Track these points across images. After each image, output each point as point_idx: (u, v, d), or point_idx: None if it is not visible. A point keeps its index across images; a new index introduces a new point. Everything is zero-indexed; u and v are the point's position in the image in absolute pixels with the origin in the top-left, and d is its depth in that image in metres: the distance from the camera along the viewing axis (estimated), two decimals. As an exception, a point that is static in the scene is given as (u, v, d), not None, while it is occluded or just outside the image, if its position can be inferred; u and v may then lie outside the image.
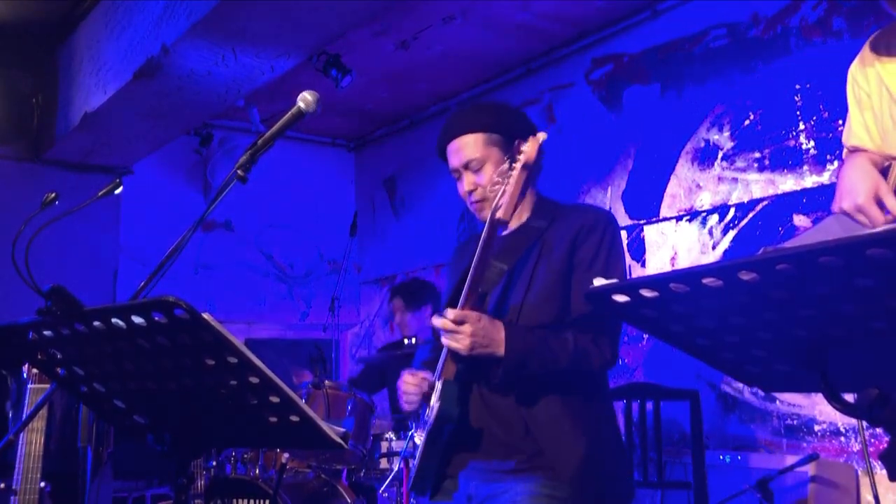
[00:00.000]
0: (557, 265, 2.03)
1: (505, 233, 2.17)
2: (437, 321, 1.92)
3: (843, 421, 3.68)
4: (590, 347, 1.97)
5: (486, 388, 2.01)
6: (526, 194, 2.15)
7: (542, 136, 1.99)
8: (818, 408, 3.77)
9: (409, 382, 2.11)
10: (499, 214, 1.91)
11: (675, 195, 4.55)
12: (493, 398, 2.01)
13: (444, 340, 1.94)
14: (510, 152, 2.08)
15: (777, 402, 3.94)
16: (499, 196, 1.93)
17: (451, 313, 1.89)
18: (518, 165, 1.92)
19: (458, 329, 1.89)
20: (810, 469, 3.31)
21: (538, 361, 1.93)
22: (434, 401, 1.99)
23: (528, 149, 1.92)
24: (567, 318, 2.01)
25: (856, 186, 1.63)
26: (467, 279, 1.94)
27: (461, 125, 2.14)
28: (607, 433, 2.04)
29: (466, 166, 2.12)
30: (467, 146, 2.12)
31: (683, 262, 4.48)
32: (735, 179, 4.25)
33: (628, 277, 2.02)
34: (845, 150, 2.00)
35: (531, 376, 1.96)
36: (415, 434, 2.13)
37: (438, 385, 2.01)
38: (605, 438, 2.02)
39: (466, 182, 2.14)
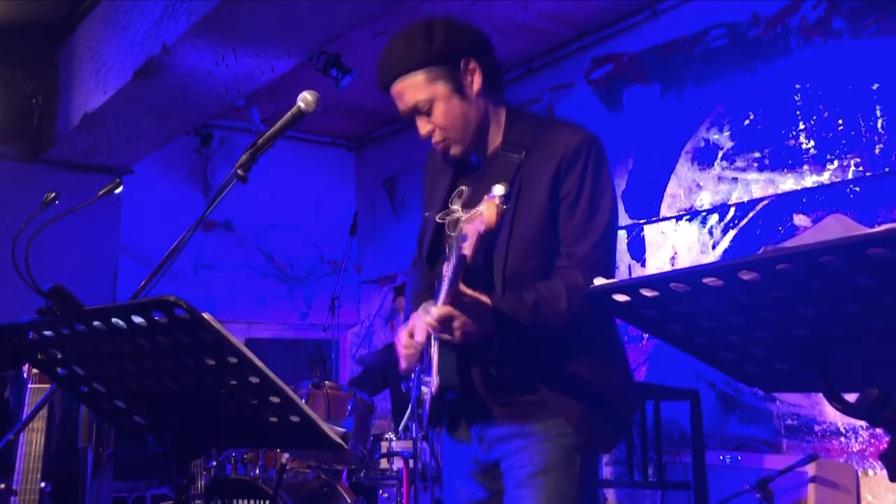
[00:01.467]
0: (539, 206, 1.86)
1: (478, 162, 1.99)
2: (424, 319, 1.78)
3: (843, 421, 3.68)
4: (580, 297, 1.81)
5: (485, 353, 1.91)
6: (490, 115, 1.96)
7: (498, 189, 1.63)
8: (818, 408, 3.77)
9: (408, 346, 1.96)
10: (464, 251, 1.65)
11: (675, 195, 4.55)
12: (490, 359, 1.92)
13: (435, 335, 1.84)
14: (457, 79, 1.89)
15: (777, 402, 3.94)
16: (462, 225, 1.68)
17: (436, 311, 1.74)
18: (475, 231, 1.63)
19: (446, 328, 1.76)
20: (810, 469, 3.31)
21: (531, 333, 1.84)
22: (435, 370, 1.91)
23: (486, 212, 1.60)
24: (555, 256, 1.88)
25: None
26: (445, 284, 1.72)
27: (396, 66, 1.91)
28: (607, 358, 1.96)
29: (416, 110, 1.92)
30: (408, 90, 1.89)
31: (683, 262, 4.48)
32: (735, 179, 4.25)
33: (617, 204, 1.94)
34: None
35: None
36: (425, 379, 2.04)
37: (435, 347, 1.90)
38: (606, 365, 1.95)
39: (421, 127, 1.94)
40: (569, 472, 1.87)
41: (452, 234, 1.74)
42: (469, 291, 1.74)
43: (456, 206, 1.91)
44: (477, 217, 1.63)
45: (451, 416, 2.03)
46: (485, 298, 1.78)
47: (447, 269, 1.72)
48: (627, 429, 2.06)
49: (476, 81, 1.91)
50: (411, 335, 1.93)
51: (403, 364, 2.01)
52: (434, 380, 1.92)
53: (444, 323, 1.74)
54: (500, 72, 1.99)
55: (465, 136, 1.94)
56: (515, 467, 1.91)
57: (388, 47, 1.96)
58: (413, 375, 2.48)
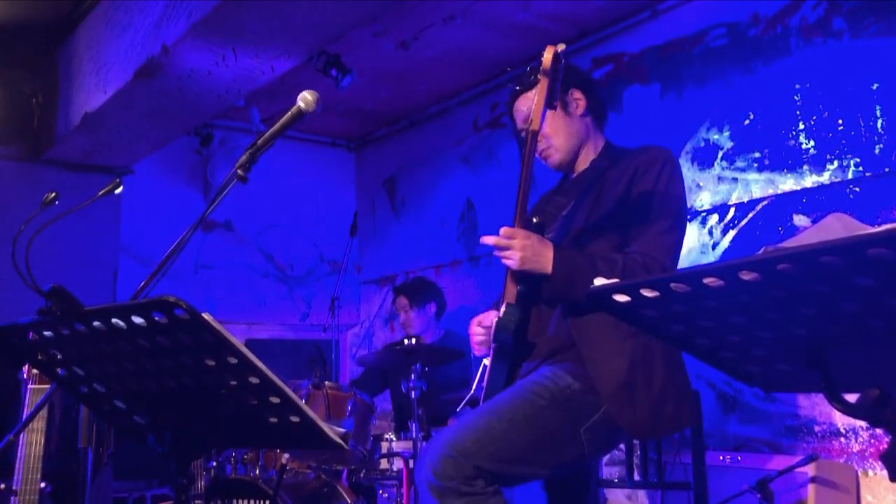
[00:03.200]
0: (616, 198, 2.14)
1: (573, 176, 2.36)
2: (490, 238, 2.03)
3: (843, 421, 3.68)
4: (638, 272, 2.02)
5: (543, 305, 2.13)
6: (590, 139, 2.35)
7: (560, 46, 2.09)
8: (818, 408, 3.77)
9: (478, 333, 2.24)
10: (532, 127, 2.04)
11: (675, 195, 4.55)
12: (547, 314, 2.15)
13: (497, 255, 2.05)
14: (565, 98, 2.31)
15: (777, 402, 3.94)
16: (533, 109, 2.06)
17: (502, 230, 2.01)
18: (542, 81, 2.04)
19: (509, 244, 1.99)
20: (810, 469, 3.31)
21: (583, 282, 1.96)
22: (498, 315, 2.11)
23: (545, 56, 2.04)
24: (625, 247, 2.11)
25: None
26: (517, 197, 2.04)
27: (517, 89, 2.39)
28: (653, 362, 2.06)
29: (527, 120, 2.21)
30: (526, 102, 2.32)
31: (683, 262, 4.48)
32: (735, 179, 4.25)
33: (684, 214, 2.20)
34: None
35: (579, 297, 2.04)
36: (485, 360, 2.24)
37: (502, 308, 2.10)
38: (650, 366, 2.04)
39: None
40: (532, 400, 2.00)
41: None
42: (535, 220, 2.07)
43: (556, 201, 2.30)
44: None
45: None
46: (547, 245, 2.03)
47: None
48: (669, 427, 2.15)
49: (580, 107, 2.34)
50: (480, 323, 2.24)
51: (476, 350, 2.27)
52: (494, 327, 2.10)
53: (508, 239, 1.99)
54: (603, 110, 2.42)
55: (564, 146, 2.32)
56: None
57: (520, 73, 2.51)
58: (413, 376, 2.56)
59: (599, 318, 2.02)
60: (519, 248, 1.99)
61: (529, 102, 2.22)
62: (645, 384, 2.04)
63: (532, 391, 2.03)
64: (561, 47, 2.05)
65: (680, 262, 4.42)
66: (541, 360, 2.16)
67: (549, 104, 2.08)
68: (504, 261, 2.04)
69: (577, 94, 2.35)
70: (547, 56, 2.02)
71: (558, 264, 1.99)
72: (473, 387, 2.34)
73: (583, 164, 2.35)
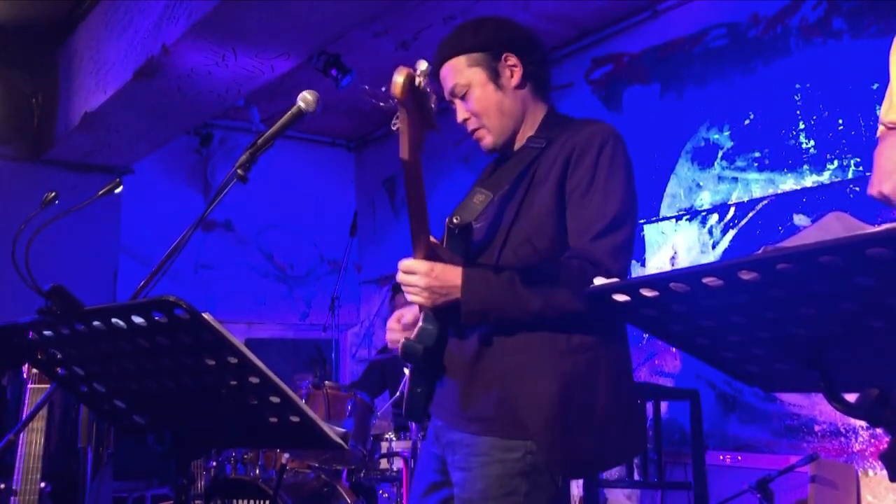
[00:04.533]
0: (547, 193, 1.82)
1: (509, 156, 1.99)
2: (398, 275, 1.80)
3: (843, 421, 3.68)
4: (573, 284, 1.69)
5: (458, 332, 1.84)
6: (528, 113, 1.97)
7: (420, 65, 1.71)
8: (818, 408, 3.77)
9: (392, 329, 1.95)
10: (401, 155, 1.68)
11: (674, 195, 4.55)
12: (461, 341, 1.85)
13: (405, 294, 1.81)
14: (496, 71, 1.92)
15: (777, 402, 3.94)
16: (400, 140, 1.68)
17: (400, 264, 1.78)
18: (401, 109, 1.64)
19: (411, 281, 1.76)
20: (810, 469, 3.31)
21: (501, 308, 1.75)
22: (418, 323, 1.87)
23: (395, 81, 1.66)
24: (565, 249, 1.80)
25: None
26: (409, 219, 1.77)
27: (443, 51, 1.97)
28: (594, 384, 1.76)
29: (453, 93, 1.96)
30: (450, 73, 1.95)
31: (683, 262, 4.48)
32: (735, 179, 4.25)
33: (632, 198, 1.85)
34: (881, 128, 1.78)
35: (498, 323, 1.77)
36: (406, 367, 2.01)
37: (420, 319, 1.85)
38: (587, 390, 1.75)
39: (458, 113, 1.99)
40: (512, 500, 1.72)
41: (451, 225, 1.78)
42: (436, 242, 1.77)
43: (478, 197, 1.90)
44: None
45: (426, 408, 1.93)
46: (454, 269, 1.75)
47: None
48: (611, 459, 1.88)
49: (515, 77, 1.93)
50: (399, 319, 1.95)
51: (389, 344, 1.98)
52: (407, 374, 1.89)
53: (410, 275, 1.75)
54: (547, 74, 2.01)
55: (498, 125, 1.95)
56: (458, 486, 1.81)
57: (443, 39, 2.01)
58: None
59: (518, 351, 1.76)
60: (423, 287, 1.74)
61: (453, 75, 1.93)
62: (583, 411, 1.73)
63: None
64: (422, 67, 1.66)
65: (680, 261, 4.46)
66: (457, 426, 1.83)
67: (425, 127, 1.69)
68: (411, 299, 1.78)
69: (512, 60, 1.92)
70: (397, 81, 1.62)
71: (469, 294, 1.72)
72: (401, 388, 2.15)
73: (519, 140, 1.98)
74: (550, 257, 1.80)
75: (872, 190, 1.58)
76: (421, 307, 1.84)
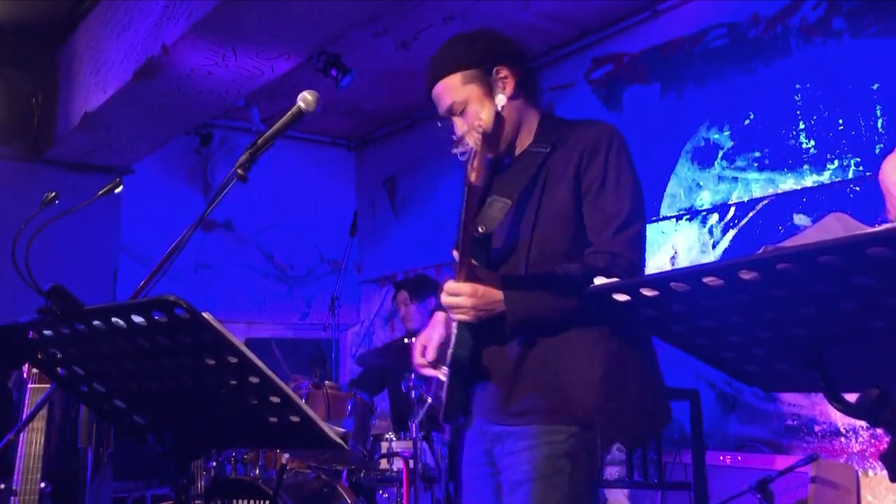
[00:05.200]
0: (563, 195, 1.94)
1: (508, 162, 2.10)
2: (442, 297, 1.93)
3: (843, 421, 3.68)
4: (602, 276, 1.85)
5: (497, 337, 1.96)
6: (524, 122, 2.07)
7: (500, 100, 1.97)
8: (818, 408, 3.77)
9: (423, 364, 2.07)
10: (472, 179, 1.84)
11: (675, 194, 4.55)
12: (502, 342, 1.97)
13: (450, 315, 1.94)
14: (490, 83, 2.01)
15: (777, 402, 3.94)
16: (470, 159, 1.86)
17: (447, 286, 1.90)
18: (478, 138, 1.87)
19: (457, 302, 1.89)
20: (810, 469, 3.31)
21: (540, 319, 1.90)
22: (451, 346, 1.97)
23: (485, 119, 1.92)
24: (583, 247, 1.94)
25: None
26: (458, 250, 1.90)
27: (436, 70, 2.05)
28: (627, 365, 1.94)
29: (451, 111, 2.04)
30: (445, 91, 2.03)
31: (683, 262, 4.48)
32: (735, 179, 4.25)
33: (640, 192, 1.98)
34: None
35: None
36: (440, 370, 2.08)
37: (454, 328, 1.97)
38: (624, 371, 1.92)
39: (457, 128, 2.06)
40: (556, 481, 1.86)
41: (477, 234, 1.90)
42: (475, 263, 1.89)
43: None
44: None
45: (464, 409, 2.05)
46: (495, 284, 1.88)
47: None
48: (651, 430, 2.09)
49: (508, 88, 2.03)
50: (424, 345, 2.06)
51: (419, 371, 2.11)
52: (449, 356, 1.98)
53: (456, 296, 1.88)
54: (536, 81, 2.13)
55: (503, 136, 2.05)
56: (507, 470, 1.96)
57: (434, 54, 2.09)
58: (413, 376, 2.46)
59: (559, 344, 1.91)
60: (469, 305, 1.88)
61: (449, 94, 2.02)
62: (623, 389, 1.91)
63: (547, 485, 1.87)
64: (501, 101, 1.95)
65: (680, 261, 4.46)
66: (500, 419, 1.97)
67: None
68: (456, 317, 1.92)
69: (504, 72, 2.02)
70: (487, 118, 1.93)
71: (511, 308, 1.87)
72: (429, 399, 2.21)
73: (518, 147, 2.09)
74: (573, 253, 1.94)
75: (892, 214, 1.62)
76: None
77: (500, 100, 1.95)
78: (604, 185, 1.93)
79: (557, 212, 1.94)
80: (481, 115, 2.00)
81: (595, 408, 1.87)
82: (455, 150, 2.02)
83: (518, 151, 2.08)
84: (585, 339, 1.90)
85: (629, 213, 1.92)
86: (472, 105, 2.01)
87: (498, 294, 1.88)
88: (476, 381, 2.01)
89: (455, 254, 1.96)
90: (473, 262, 1.92)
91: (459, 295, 1.88)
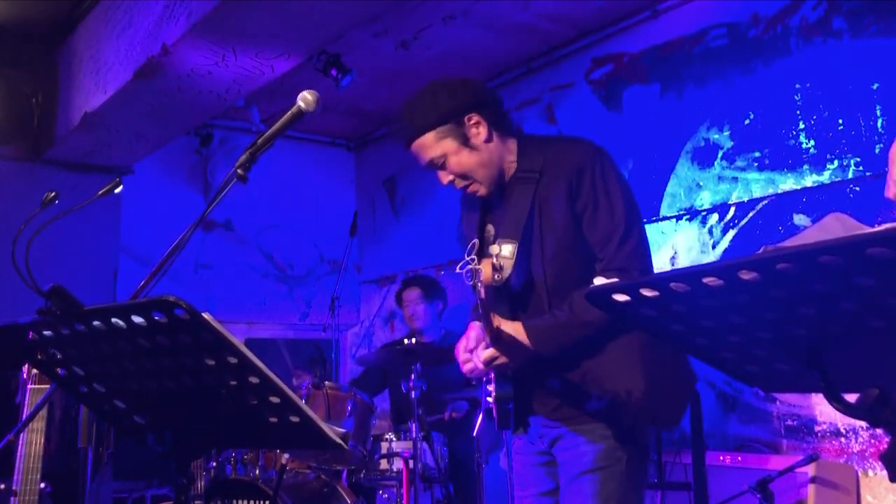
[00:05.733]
0: (560, 223, 2.08)
1: (500, 193, 2.21)
2: (478, 365, 2.11)
3: (843, 421, 3.68)
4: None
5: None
6: (505, 153, 2.19)
7: (494, 250, 2.07)
8: (818, 408, 3.77)
9: (466, 360, 2.18)
10: (481, 295, 1.95)
11: (675, 194, 4.55)
12: (539, 368, 2.13)
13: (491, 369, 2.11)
14: (463, 134, 2.12)
15: (777, 402, 3.94)
16: (475, 278, 1.94)
17: (483, 356, 2.06)
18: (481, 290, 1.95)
19: (495, 359, 2.06)
20: (810, 469, 3.31)
21: (569, 346, 2.05)
22: (490, 382, 2.14)
23: (484, 270, 2.00)
24: (592, 261, 2.08)
25: None
26: (483, 328, 2.05)
27: (410, 131, 2.17)
28: (653, 358, 2.05)
29: (432, 164, 2.17)
30: (422, 149, 2.16)
31: (683, 262, 4.48)
32: (735, 179, 4.25)
33: (631, 200, 2.10)
34: None
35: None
36: (487, 387, 2.25)
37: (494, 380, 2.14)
38: (652, 364, 2.05)
39: (441, 178, 2.21)
40: (614, 470, 2.05)
41: (470, 283, 2.00)
42: (501, 327, 2.05)
43: (473, 256, 2.11)
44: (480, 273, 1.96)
45: (516, 418, 2.19)
46: (520, 335, 2.05)
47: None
48: (681, 409, 2.18)
49: (482, 132, 2.13)
50: (466, 349, 2.18)
51: (469, 375, 2.22)
52: (492, 391, 2.15)
53: (491, 363, 2.06)
54: (504, 114, 2.21)
55: (486, 176, 2.17)
56: (567, 464, 2.13)
57: (404, 114, 2.19)
58: (413, 376, 2.52)
59: (595, 352, 2.05)
60: (506, 361, 2.06)
61: (427, 151, 2.15)
62: (663, 379, 2.05)
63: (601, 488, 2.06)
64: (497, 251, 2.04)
65: (680, 261, 4.45)
66: (554, 423, 2.16)
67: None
68: (503, 369, 2.10)
69: (475, 119, 2.12)
70: (487, 270, 2.03)
71: (539, 346, 2.04)
72: (484, 399, 2.39)
73: (508, 173, 2.21)
74: (586, 272, 2.07)
75: (889, 192, 1.60)
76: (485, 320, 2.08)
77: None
78: (596, 206, 2.06)
79: (560, 243, 2.07)
80: (461, 161, 2.13)
81: (641, 403, 2.01)
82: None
83: (507, 177, 2.20)
84: (625, 345, 2.03)
85: (626, 226, 2.05)
86: (450, 158, 2.13)
87: (524, 340, 2.04)
88: (529, 390, 2.15)
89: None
90: (496, 325, 2.06)
91: (495, 358, 2.06)
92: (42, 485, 2.87)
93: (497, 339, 2.04)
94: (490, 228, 2.25)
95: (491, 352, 2.05)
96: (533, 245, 2.09)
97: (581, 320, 2.00)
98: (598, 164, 2.08)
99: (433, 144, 2.13)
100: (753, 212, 4.15)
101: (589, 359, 2.06)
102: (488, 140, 2.14)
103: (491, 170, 2.16)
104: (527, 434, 2.23)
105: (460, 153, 2.12)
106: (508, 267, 2.05)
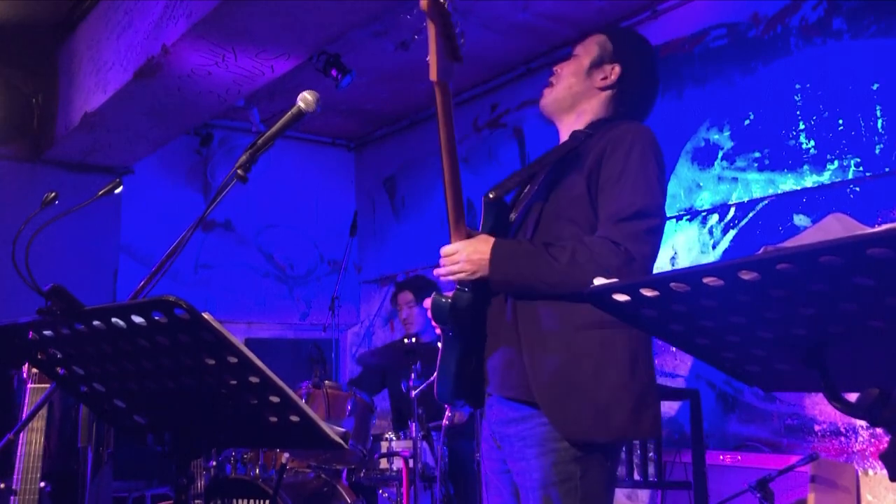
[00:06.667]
0: (580, 179, 1.96)
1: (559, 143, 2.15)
2: (440, 270, 1.98)
3: (843, 421, 3.68)
4: (588, 262, 1.82)
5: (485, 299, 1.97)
6: (590, 108, 2.14)
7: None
8: (818, 408, 3.77)
9: (446, 254, 2.06)
10: (431, 77, 1.82)
11: (675, 195, 4.55)
12: (498, 320, 1.97)
13: (447, 277, 1.96)
14: (600, 63, 2.14)
15: (777, 402, 3.94)
16: (429, 58, 1.81)
17: (443, 250, 1.95)
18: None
19: (454, 259, 1.92)
20: (810, 469, 3.31)
21: (521, 283, 1.89)
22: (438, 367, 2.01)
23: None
24: (590, 228, 1.94)
25: None
26: (444, 189, 1.92)
27: (602, 27, 2.28)
28: (610, 359, 1.87)
29: (575, 50, 2.19)
30: (591, 37, 2.21)
31: (683, 262, 4.48)
32: (735, 179, 4.25)
33: (662, 190, 1.98)
34: None
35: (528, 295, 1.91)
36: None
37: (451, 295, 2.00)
38: (604, 364, 1.87)
39: (558, 66, 2.20)
40: (569, 486, 1.85)
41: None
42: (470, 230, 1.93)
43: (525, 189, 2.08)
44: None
45: (474, 382, 2.03)
46: (486, 243, 1.91)
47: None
48: (623, 436, 1.95)
49: (606, 81, 2.14)
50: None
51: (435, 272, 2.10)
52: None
53: (452, 255, 1.92)
54: (646, 103, 2.27)
55: (557, 93, 2.14)
56: (517, 475, 1.96)
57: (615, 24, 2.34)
58: (413, 375, 2.48)
59: (554, 304, 1.87)
60: (464, 258, 1.90)
61: (586, 43, 2.19)
62: (591, 384, 1.85)
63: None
64: None
65: (680, 261, 4.46)
66: (507, 425, 1.96)
67: (450, 54, 1.81)
68: (452, 278, 1.94)
69: (616, 71, 2.14)
70: None
71: (496, 265, 1.87)
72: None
73: (565, 133, 2.14)
74: (581, 228, 1.94)
75: None
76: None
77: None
78: (620, 178, 1.92)
79: (570, 193, 1.96)
80: (573, 71, 2.13)
81: (547, 398, 1.85)
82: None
83: (563, 137, 2.15)
84: (565, 325, 1.88)
85: (642, 207, 1.90)
86: (579, 57, 2.15)
87: (487, 251, 1.89)
88: (472, 356, 1.98)
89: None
90: (490, 194, 1.96)
91: (455, 252, 1.92)
92: (42, 484, 2.87)
93: (466, 234, 1.92)
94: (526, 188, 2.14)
95: (450, 247, 1.92)
96: (543, 189, 2.00)
97: (548, 277, 1.84)
98: (642, 140, 1.99)
99: (592, 41, 2.18)
100: (753, 212, 4.15)
101: (531, 333, 1.90)
102: (600, 88, 2.14)
103: (569, 100, 2.13)
104: (486, 417, 2.06)
105: (580, 70, 2.13)
106: (505, 190, 2.00)
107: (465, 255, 1.89)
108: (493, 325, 1.98)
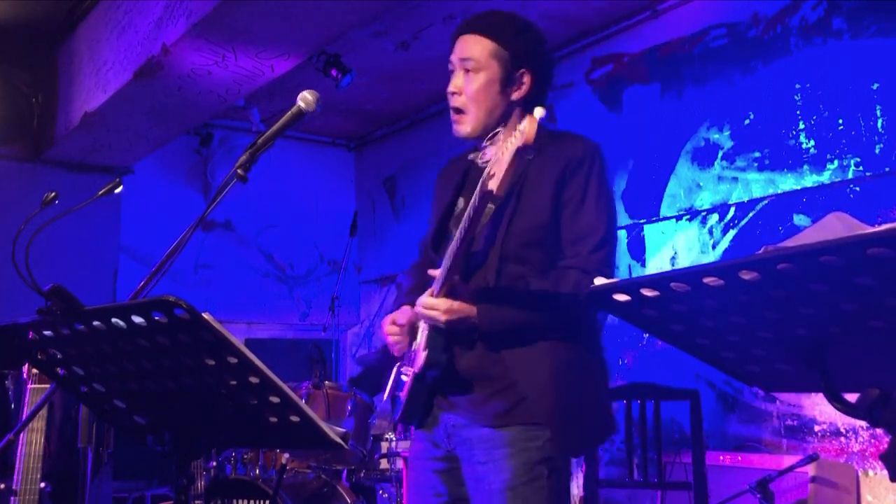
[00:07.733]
0: (543, 202, 1.94)
1: (481, 162, 2.06)
2: (417, 307, 1.94)
3: (843, 421, 3.68)
4: (566, 309, 1.89)
5: (468, 343, 1.96)
6: (509, 125, 2.01)
7: (539, 112, 1.76)
8: (818, 408, 3.77)
9: (393, 333, 2.06)
10: (490, 186, 1.74)
11: (675, 195, 4.55)
12: (476, 346, 1.97)
13: (423, 317, 1.94)
14: (510, 78, 2.01)
15: (777, 402, 3.94)
16: (490, 166, 1.75)
17: (421, 301, 1.91)
18: (513, 146, 1.72)
19: (433, 316, 1.90)
20: (810, 469, 3.31)
21: (510, 331, 1.92)
22: (422, 347, 1.97)
23: (527, 129, 1.70)
24: (555, 258, 1.95)
25: None
26: (443, 267, 1.88)
27: (478, 24, 2.05)
28: (585, 376, 1.96)
29: (462, 62, 2.03)
30: (473, 44, 2.02)
31: (683, 262, 4.48)
32: (735, 179, 4.25)
33: (616, 210, 2.03)
34: None
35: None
36: (402, 368, 2.09)
37: (424, 328, 1.97)
38: (582, 381, 1.94)
39: (454, 81, 2.05)
40: (536, 486, 1.87)
41: (455, 229, 1.88)
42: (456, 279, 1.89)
43: (461, 203, 2.02)
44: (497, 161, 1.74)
45: (426, 407, 2.03)
46: (471, 311, 1.90)
47: (447, 254, 1.88)
48: (601, 438, 2.05)
49: (520, 92, 2.02)
50: (394, 322, 2.05)
51: (394, 351, 2.10)
52: (419, 358, 1.97)
53: (431, 310, 1.89)
54: (544, 98, 2.09)
55: (479, 120, 2.03)
56: (478, 480, 1.93)
57: (488, 10, 2.10)
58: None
59: (530, 352, 1.91)
60: (444, 320, 1.89)
61: (475, 49, 2.00)
62: (581, 394, 1.93)
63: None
64: (541, 113, 1.74)
65: (680, 261, 4.45)
66: (473, 421, 1.96)
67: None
68: (430, 321, 1.93)
69: (527, 78, 2.02)
70: (530, 129, 1.69)
71: (484, 321, 1.89)
72: (385, 395, 2.19)
73: (490, 150, 2.02)
74: (545, 261, 1.95)
75: None
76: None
77: (539, 112, 1.78)
78: (584, 200, 1.94)
79: (535, 217, 1.94)
80: (480, 88, 2.00)
81: (550, 410, 1.88)
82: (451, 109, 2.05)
83: (488, 156, 2.03)
84: (548, 342, 1.92)
85: (605, 233, 1.94)
86: (481, 75, 2.00)
87: (472, 309, 1.89)
88: (447, 385, 1.98)
89: (432, 272, 1.96)
90: (456, 278, 1.91)
91: (434, 309, 1.89)
92: (42, 485, 2.87)
93: (451, 289, 1.88)
94: (461, 202, 2.08)
95: (435, 301, 1.88)
96: (503, 215, 1.94)
97: (534, 317, 1.89)
98: (599, 162, 1.98)
99: (484, 52, 2.00)
100: (753, 212, 4.15)
101: (516, 362, 1.92)
102: (516, 101, 2.02)
103: (490, 121, 2.01)
104: (431, 433, 2.04)
105: (491, 85, 2.00)
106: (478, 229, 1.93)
107: (447, 319, 1.89)
108: (459, 358, 1.97)
